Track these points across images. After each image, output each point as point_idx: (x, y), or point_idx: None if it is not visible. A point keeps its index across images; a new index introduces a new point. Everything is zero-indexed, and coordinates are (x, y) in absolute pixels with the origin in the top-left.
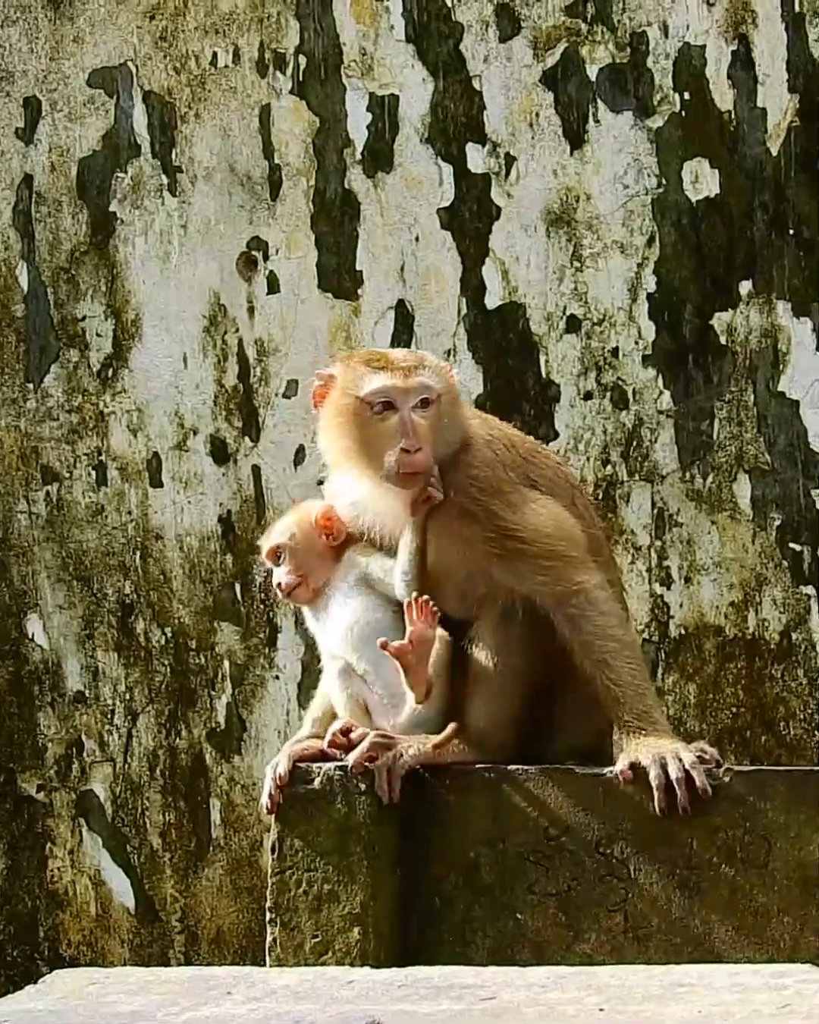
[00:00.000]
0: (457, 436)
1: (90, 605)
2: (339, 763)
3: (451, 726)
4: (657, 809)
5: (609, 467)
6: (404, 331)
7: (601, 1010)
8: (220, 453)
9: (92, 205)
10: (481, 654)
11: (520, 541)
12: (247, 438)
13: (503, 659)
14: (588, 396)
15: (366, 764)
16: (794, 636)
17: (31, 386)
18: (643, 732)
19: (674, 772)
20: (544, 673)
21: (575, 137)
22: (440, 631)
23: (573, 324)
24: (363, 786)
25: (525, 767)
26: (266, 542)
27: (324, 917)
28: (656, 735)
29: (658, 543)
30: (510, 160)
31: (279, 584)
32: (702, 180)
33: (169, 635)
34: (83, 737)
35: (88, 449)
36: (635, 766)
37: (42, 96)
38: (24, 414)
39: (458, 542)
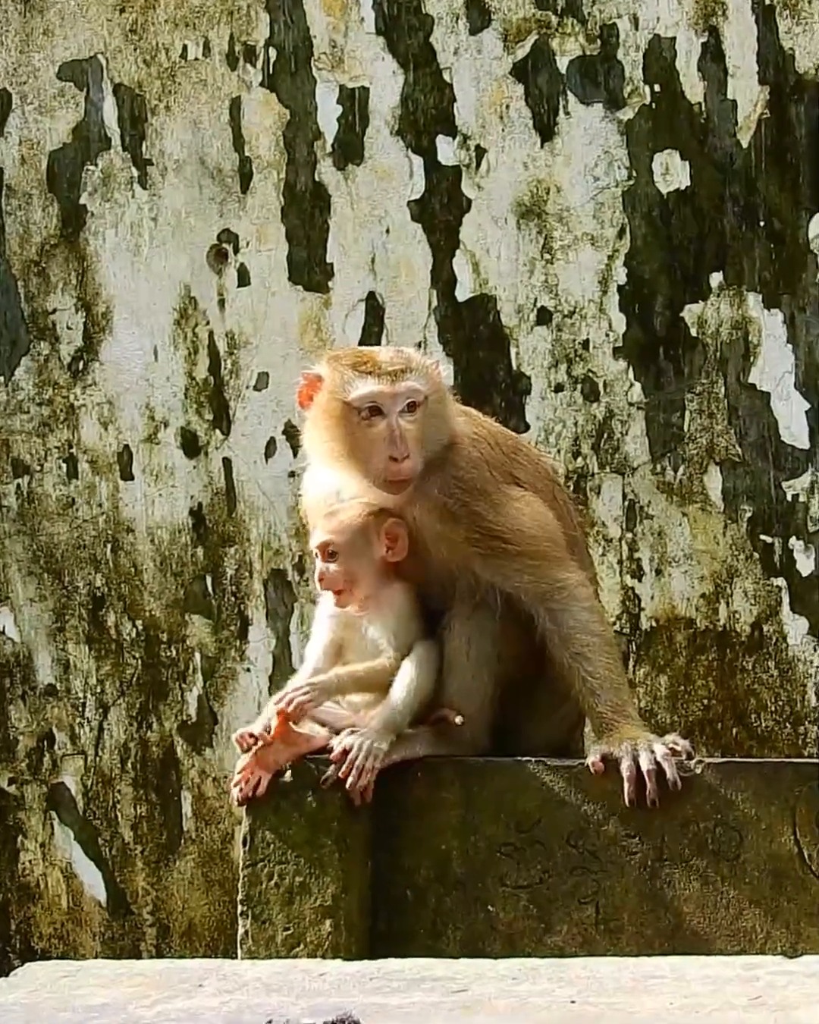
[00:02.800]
0: (444, 435)
1: (61, 598)
2: (311, 757)
3: (448, 714)
4: (626, 800)
5: (580, 459)
6: (375, 323)
7: (573, 1002)
8: (191, 446)
9: (62, 198)
10: (455, 644)
11: (504, 541)
12: (218, 431)
13: (477, 649)
14: (559, 388)
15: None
16: (765, 628)
17: (1, 379)
18: (616, 725)
19: (645, 764)
20: (517, 666)
21: (545, 129)
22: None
23: (544, 316)
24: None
25: (496, 758)
26: (320, 534)
27: (296, 910)
28: (629, 728)
29: (629, 535)
30: (480, 152)
31: (322, 579)
32: (672, 172)
33: (140, 628)
34: (54, 730)
35: (59, 442)
36: (607, 758)
37: (12, 89)
38: None
39: (441, 541)
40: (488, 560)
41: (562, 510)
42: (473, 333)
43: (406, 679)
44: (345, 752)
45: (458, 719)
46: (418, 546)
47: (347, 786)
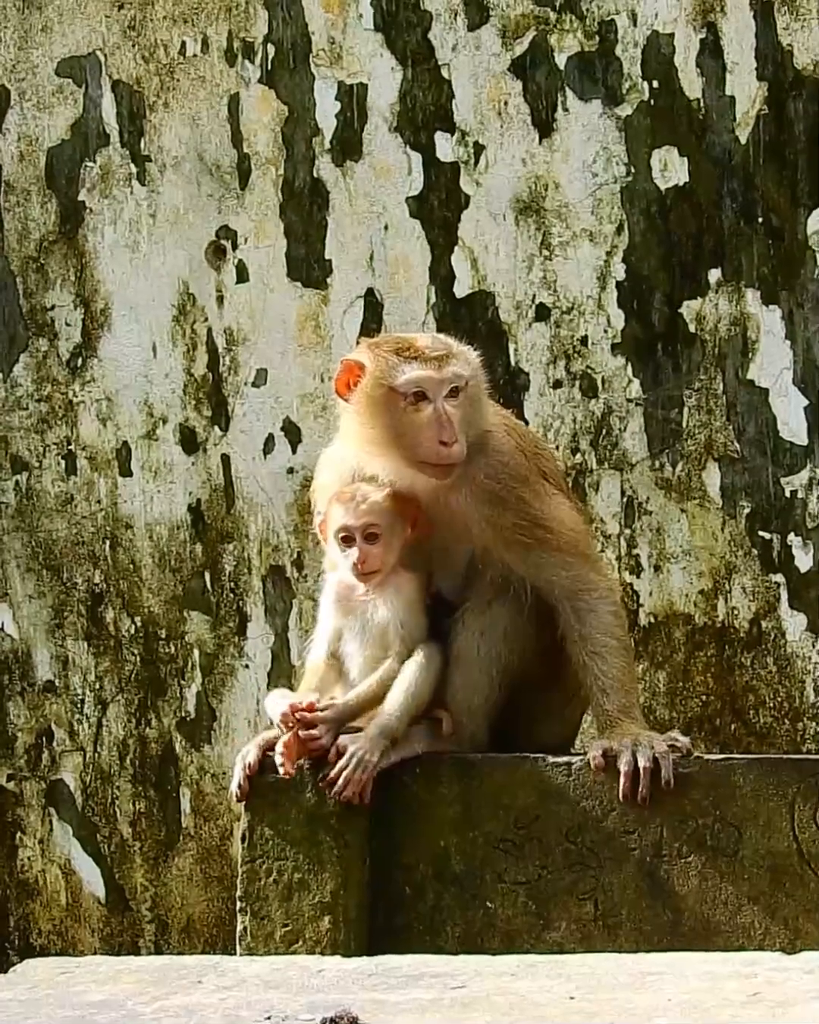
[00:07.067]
0: (482, 421)
1: (60, 594)
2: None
3: (443, 716)
4: (620, 795)
5: (578, 455)
6: (373, 320)
7: (571, 998)
8: (189, 442)
9: (61, 194)
10: (466, 638)
11: (548, 531)
12: (216, 427)
13: (488, 646)
14: (557, 384)
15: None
16: (763, 624)
17: (0, 375)
18: (620, 723)
19: (643, 760)
20: (527, 667)
21: (544, 126)
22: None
23: (542, 313)
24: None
25: (494, 754)
26: (355, 518)
27: (294, 906)
28: (632, 726)
29: (628, 531)
30: (479, 149)
31: (364, 561)
32: (671, 168)
33: (139, 624)
34: (53, 726)
35: (57, 438)
36: (607, 753)
37: (10, 85)
38: None
39: (482, 525)
40: (530, 551)
41: (578, 509)
42: (472, 329)
43: (405, 684)
44: (340, 753)
45: (447, 727)
46: (447, 535)
47: (333, 792)
